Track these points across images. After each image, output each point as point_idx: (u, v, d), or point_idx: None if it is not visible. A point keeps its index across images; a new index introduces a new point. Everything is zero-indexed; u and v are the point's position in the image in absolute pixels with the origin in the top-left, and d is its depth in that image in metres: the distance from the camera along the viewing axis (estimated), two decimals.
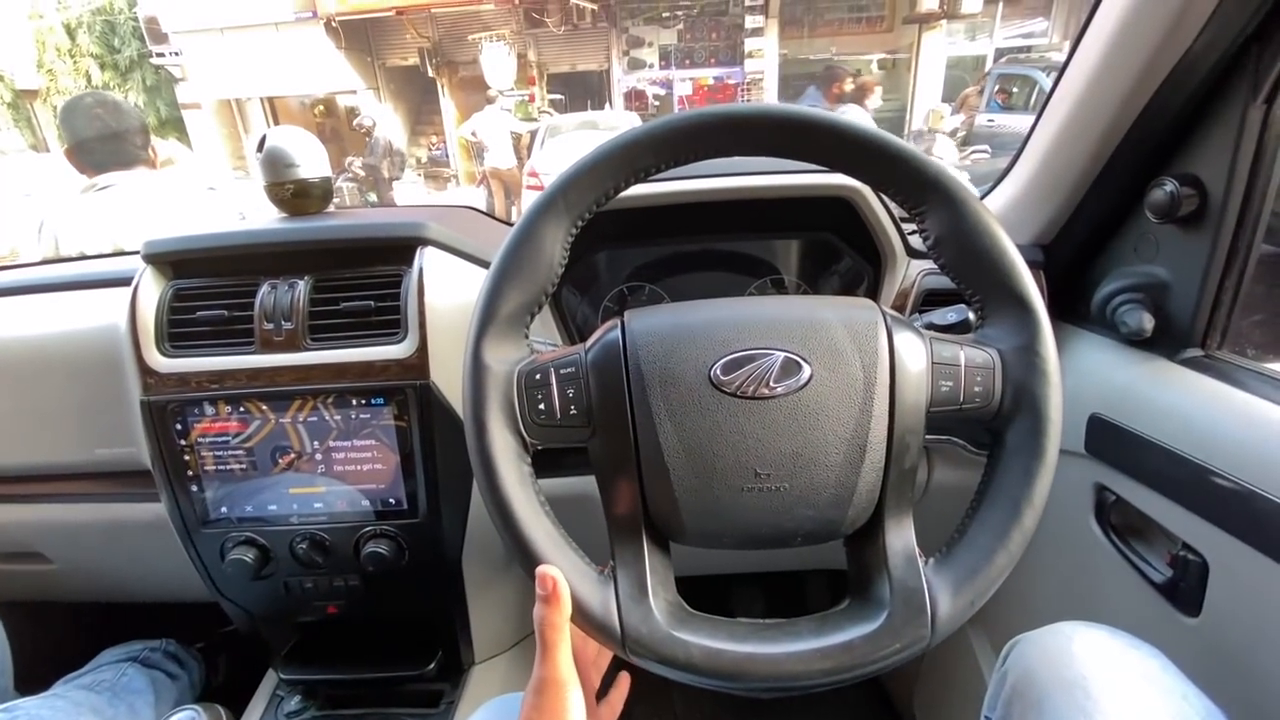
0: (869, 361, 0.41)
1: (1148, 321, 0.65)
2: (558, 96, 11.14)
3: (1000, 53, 9.91)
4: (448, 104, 11.71)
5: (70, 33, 11.91)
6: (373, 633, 0.94)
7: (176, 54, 11.09)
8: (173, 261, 0.77)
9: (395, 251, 0.76)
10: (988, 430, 0.44)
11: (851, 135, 0.43)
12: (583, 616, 0.41)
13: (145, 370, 0.74)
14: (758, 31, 10.45)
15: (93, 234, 1.43)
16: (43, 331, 0.84)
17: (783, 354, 0.41)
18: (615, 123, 7.08)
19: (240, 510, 0.78)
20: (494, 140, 6.70)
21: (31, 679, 0.87)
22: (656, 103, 11.25)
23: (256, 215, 1.48)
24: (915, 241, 0.78)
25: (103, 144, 1.45)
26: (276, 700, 0.91)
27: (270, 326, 0.73)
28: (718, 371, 0.41)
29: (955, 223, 0.43)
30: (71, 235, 1.44)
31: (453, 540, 0.80)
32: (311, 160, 0.81)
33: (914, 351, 0.42)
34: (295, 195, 0.80)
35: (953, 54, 10.59)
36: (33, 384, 0.83)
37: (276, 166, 0.79)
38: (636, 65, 11.30)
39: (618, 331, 0.43)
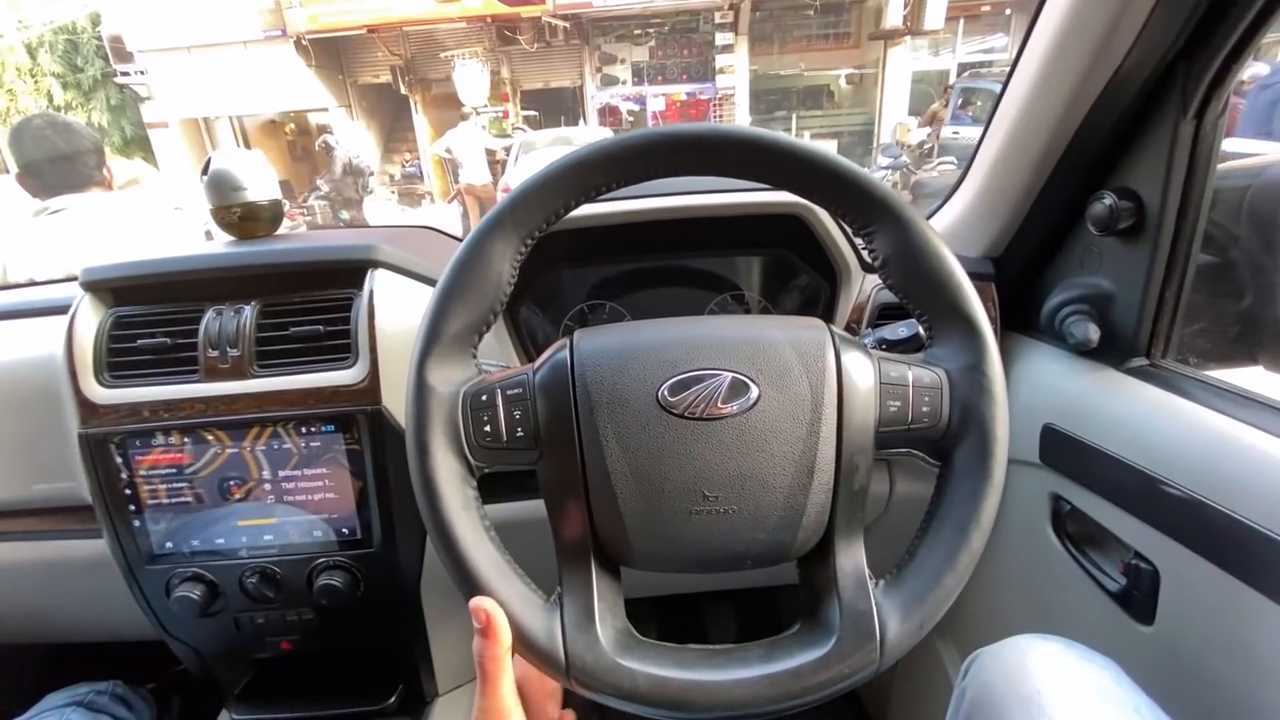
0: (816, 381, 0.41)
1: (1094, 332, 0.66)
2: (532, 113, 11.20)
3: (963, 67, 10.25)
4: (421, 121, 11.69)
5: (31, 52, 11.65)
6: (330, 667, 0.91)
7: (142, 73, 10.91)
8: (113, 289, 0.75)
9: (345, 274, 0.74)
10: (936, 450, 0.44)
11: (801, 156, 0.43)
12: (526, 646, 0.40)
13: (83, 402, 0.71)
14: (728, 48, 10.64)
15: (43, 260, 1.38)
16: None
17: (730, 374, 0.41)
18: (589, 138, 7.11)
19: (186, 545, 0.75)
20: (468, 157, 6.69)
21: None
22: (630, 118, 11.36)
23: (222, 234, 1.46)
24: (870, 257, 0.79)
25: (53, 166, 1.41)
26: None
27: (215, 354, 0.71)
28: (665, 392, 0.40)
29: (902, 243, 0.43)
30: (21, 261, 1.40)
31: (410, 569, 0.78)
32: (260, 183, 0.79)
33: (862, 371, 0.42)
34: (243, 219, 0.78)
35: (917, 69, 10.89)
36: None
37: (222, 189, 0.77)
38: (610, 81, 11.42)
39: (566, 351, 0.42)
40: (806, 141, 0.45)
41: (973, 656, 0.55)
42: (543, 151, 6.66)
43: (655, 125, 0.47)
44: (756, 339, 0.42)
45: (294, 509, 0.74)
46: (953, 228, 0.80)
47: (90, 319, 0.73)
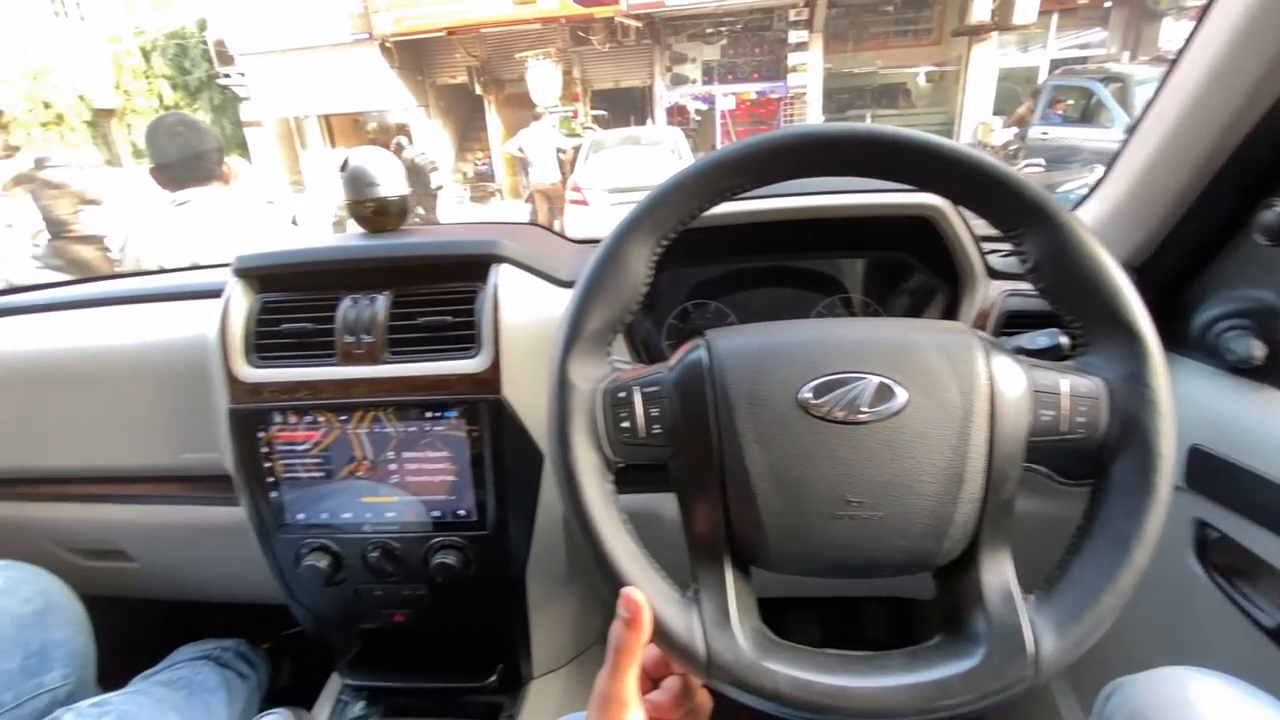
0: (966, 387, 0.40)
1: (1257, 349, 0.61)
2: (601, 112, 11.31)
3: (1055, 64, 9.65)
4: (494, 120, 12.01)
5: (145, 55, 12.69)
6: (434, 642, 0.95)
7: (241, 75, 11.67)
8: (261, 275, 0.81)
9: (470, 268, 0.77)
10: (1091, 462, 0.42)
11: (947, 156, 0.42)
12: (665, 640, 0.40)
13: (233, 380, 0.77)
14: (802, 46, 10.43)
15: (170, 248, 1.51)
16: (136, 341, 0.88)
17: (876, 378, 0.40)
18: (658, 138, 7.14)
19: (315, 517, 0.80)
20: (539, 156, 6.83)
21: (109, 672, 0.91)
22: (698, 118, 11.31)
23: (307, 218, 1.55)
24: (995, 261, 0.76)
25: (184, 162, 1.53)
26: (341, 705, 0.93)
27: (351, 339, 0.76)
28: (808, 394, 0.40)
29: (1057, 247, 0.41)
30: (152, 249, 1.53)
31: (518, 553, 0.81)
32: (390, 179, 0.83)
33: (1013, 378, 0.40)
34: (375, 213, 0.83)
35: (1004, 66, 10.35)
36: (126, 390, 0.88)
37: (358, 185, 0.82)
38: (679, 81, 11.40)
39: (703, 351, 0.43)
40: (952, 141, 0.43)
41: (1114, 685, 0.53)
42: (612, 151, 6.72)
43: (796, 125, 0.47)
44: (902, 342, 0.42)
45: (415, 489, 0.78)
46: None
47: (241, 303, 0.79)
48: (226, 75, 11.90)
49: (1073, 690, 0.89)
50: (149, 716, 0.74)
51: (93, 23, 13.16)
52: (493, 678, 0.89)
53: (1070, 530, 0.42)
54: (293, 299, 0.79)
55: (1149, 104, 0.67)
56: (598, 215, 5.70)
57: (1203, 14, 0.59)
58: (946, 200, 0.72)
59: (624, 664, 0.39)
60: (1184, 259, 0.70)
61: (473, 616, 0.88)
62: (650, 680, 0.45)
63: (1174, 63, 0.63)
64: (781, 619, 1.29)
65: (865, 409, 0.40)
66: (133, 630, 1.16)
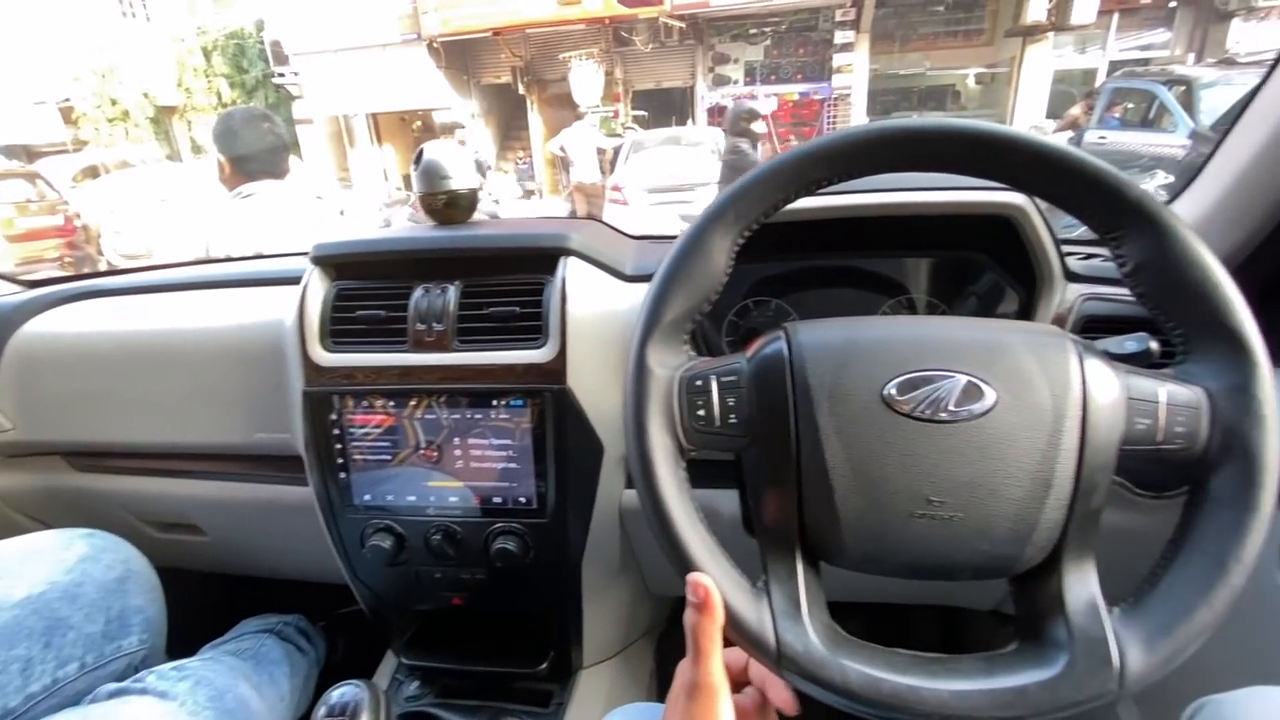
0: (1059, 391, 0.39)
1: None
2: (641, 113, 11.33)
3: (1114, 65, 9.29)
4: (535, 120, 12.16)
5: (206, 55, 13.22)
6: (487, 627, 0.97)
7: (295, 74, 12.09)
8: (337, 264, 0.83)
9: (538, 260, 0.78)
10: (1183, 475, 0.41)
11: (1045, 154, 0.41)
12: (736, 629, 0.40)
13: (309, 363, 0.80)
14: (847, 47, 10.28)
15: (235, 238, 1.57)
16: (215, 324, 0.92)
17: (965, 377, 0.40)
18: (698, 138, 7.12)
19: (381, 499, 0.82)
20: (580, 155, 6.88)
21: (178, 641, 0.95)
22: None
23: (354, 211, 1.60)
24: (1074, 264, 0.74)
25: (263, 154, 1.60)
26: (396, 684, 0.96)
27: (423, 327, 0.78)
28: (892, 390, 0.40)
29: (1159, 250, 0.40)
30: (220, 238, 1.59)
31: (575, 542, 0.82)
32: (462, 173, 0.85)
33: (1107, 383, 0.39)
34: (447, 205, 0.85)
35: (1060, 67, 10.02)
36: (204, 371, 0.92)
37: (432, 178, 0.84)
38: (721, 81, 11.36)
39: (782, 343, 0.43)
40: (1047, 138, 0.42)
41: (1199, 704, 0.51)
42: (652, 151, 6.73)
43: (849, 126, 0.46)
44: (992, 342, 0.41)
45: (478, 475, 0.80)
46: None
47: (318, 290, 0.82)
48: (281, 74, 12.34)
49: (1139, 709, 0.86)
50: (223, 682, 0.78)
51: (158, 23, 13.79)
52: (544, 665, 0.90)
53: (1146, 544, 0.41)
54: (367, 287, 0.81)
55: (1247, 101, 0.64)
56: (637, 215, 5.73)
57: None
58: (1027, 199, 0.70)
59: (706, 649, 0.40)
60: None
61: (528, 603, 0.89)
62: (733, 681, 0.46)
63: (1278, 59, 0.61)
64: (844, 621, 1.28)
65: (952, 408, 0.39)
66: (200, 601, 1.21)
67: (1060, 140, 0.43)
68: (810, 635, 0.40)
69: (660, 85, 11.83)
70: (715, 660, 0.40)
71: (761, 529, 0.43)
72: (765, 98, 10.92)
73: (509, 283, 0.78)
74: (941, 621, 1.24)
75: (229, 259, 1.45)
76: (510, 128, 13.30)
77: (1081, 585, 0.40)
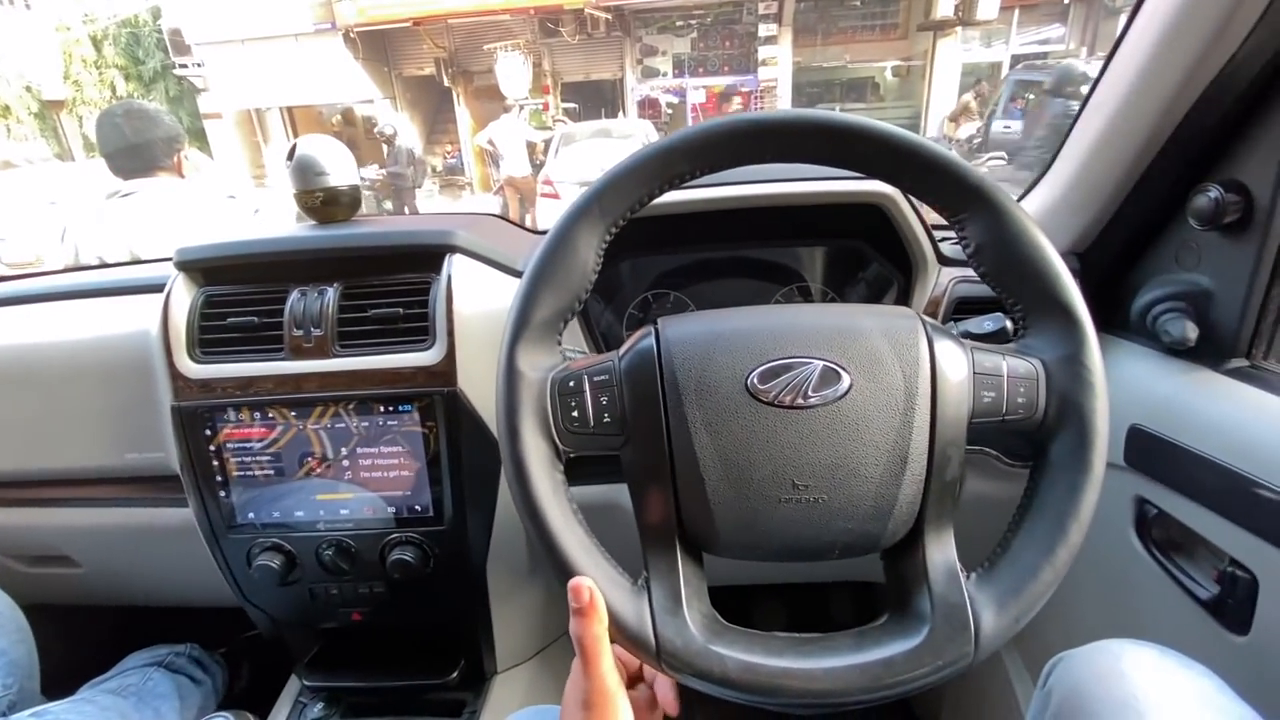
0: (910, 371, 0.40)
1: (1191, 331, 0.63)
2: (571, 105, 11.22)
3: (1016, 59, 9.87)
4: (463, 113, 11.82)
5: (96, 44, 12.19)
6: (394, 640, 0.93)
7: (199, 65, 11.29)
8: (204, 269, 0.78)
9: (423, 259, 0.76)
10: (1030, 443, 0.43)
11: (892, 142, 0.43)
12: (617, 628, 0.40)
13: (176, 376, 0.75)
14: (771, 39, 10.48)
15: (112, 241, 1.45)
16: (74, 337, 0.85)
17: (821, 363, 0.40)
18: (629, 130, 7.12)
19: (267, 516, 0.78)
20: (509, 149, 6.76)
21: (56, 682, 0.88)
22: (670, 111, 11.30)
23: (271, 211, 1.52)
24: (947, 248, 0.77)
25: (126, 152, 1.48)
26: (299, 707, 0.91)
27: (300, 333, 0.74)
28: (754, 380, 0.40)
29: (997, 231, 0.42)
30: (91, 242, 1.47)
31: (478, 547, 0.80)
32: (341, 169, 0.81)
33: (955, 361, 0.41)
34: (325, 203, 0.81)
35: (968, 60, 10.55)
36: (64, 389, 0.84)
37: (306, 174, 0.79)
38: (650, 74, 11.37)
39: (651, 339, 0.42)
40: (895, 127, 0.44)
41: (1056, 659, 0.54)
42: (583, 144, 6.69)
43: (716, 116, 0.47)
44: (847, 327, 0.42)
45: (369, 485, 0.76)
46: (1036, 221, 0.78)
47: (184, 297, 0.76)
48: (183, 65, 11.51)
49: (1025, 664, 0.91)
50: None
51: (39, 10, 12.59)
52: (454, 674, 0.88)
53: (1012, 512, 0.43)
54: (239, 292, 0.77)
55: (1089, 93, 0.68)
56: None
57: (1136, 7, 0.61)
58: (897, 188, 0.72)
59: (594, 653, 0.39)
60: (1124, 244, 0.72)
61: (433, 613, 0.87)
62: (629, 676, 0.45)
63: (1110, 55, 0.65)
64: (748, 605, 1.30)
65: (811, 393, 0.40)
66: (84, 638, 1.12)
67: (904, 128, 0.45)
68: (689, 628, 0.40)
69: (590, 77, 11.73)
70: (605, 664, 0.39)
71: (642, 526, 0.43)
72: (693, 90, 11.03)
73: (392, 283, 0.75)
74: (856, 595, 1.28)
75: (99, 266, 1.34)
76: (437, 121, 12.89)
77: (941, 555, 0.41)
